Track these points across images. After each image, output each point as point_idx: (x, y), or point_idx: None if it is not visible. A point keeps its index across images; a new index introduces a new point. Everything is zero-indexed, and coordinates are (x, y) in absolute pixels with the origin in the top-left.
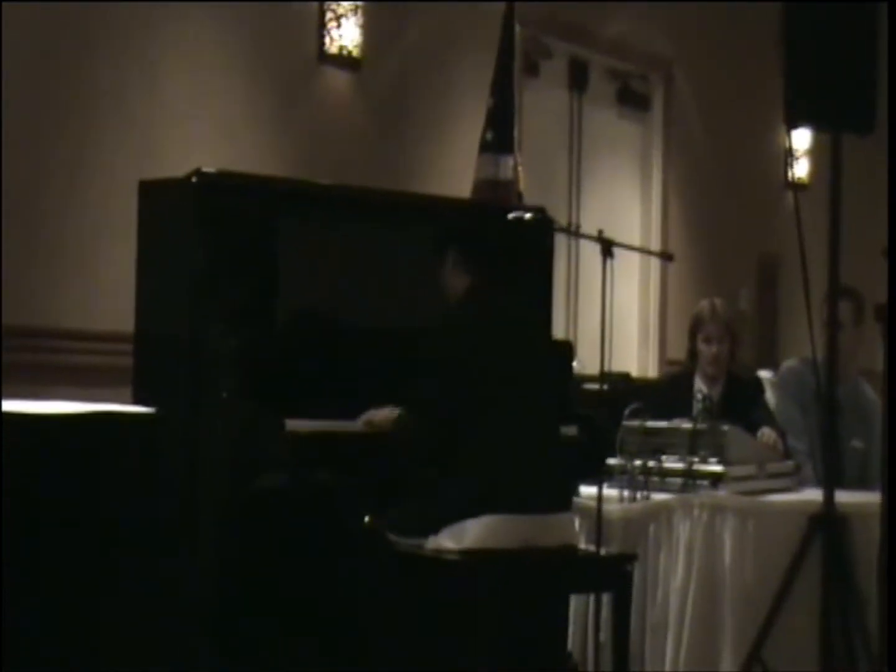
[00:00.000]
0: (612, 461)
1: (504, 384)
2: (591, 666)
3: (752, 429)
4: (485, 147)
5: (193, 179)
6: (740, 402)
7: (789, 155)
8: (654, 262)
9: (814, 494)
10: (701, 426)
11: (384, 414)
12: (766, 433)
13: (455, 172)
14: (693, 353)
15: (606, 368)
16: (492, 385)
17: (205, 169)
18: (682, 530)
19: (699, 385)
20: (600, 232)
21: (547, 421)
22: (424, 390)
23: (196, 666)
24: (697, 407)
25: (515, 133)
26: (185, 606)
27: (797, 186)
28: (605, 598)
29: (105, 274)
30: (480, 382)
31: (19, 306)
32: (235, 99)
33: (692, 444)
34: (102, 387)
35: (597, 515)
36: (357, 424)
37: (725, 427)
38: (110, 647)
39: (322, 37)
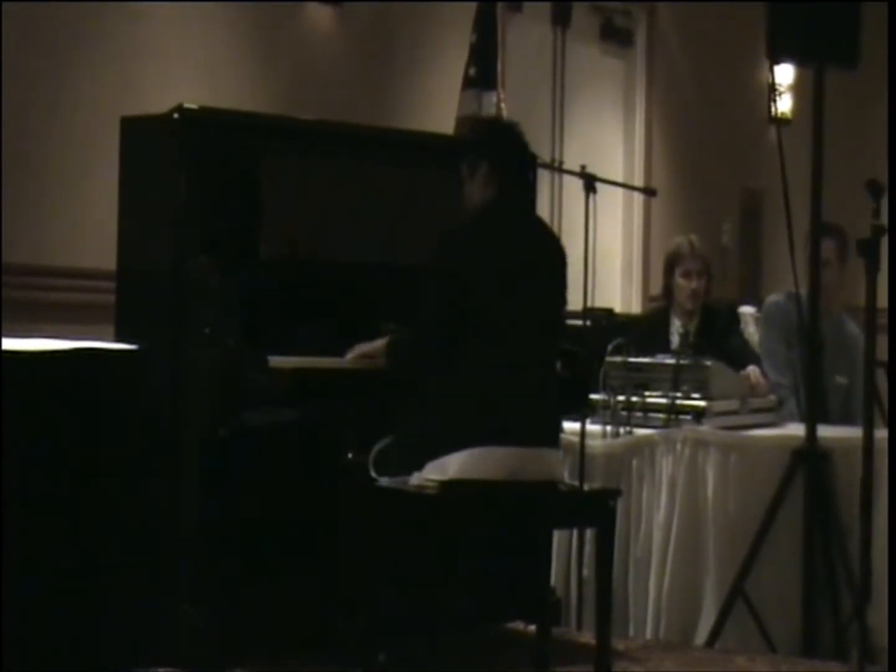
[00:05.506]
0: (595, 397)
1: (510, 307)
2: (574, 601)
3: (727, 358)
4: (468, 83)
5: (175, 116)
6: (715, 332)
7: (772, 90)
8: (637, 198)
9: (796, 429)
10: (684, 361)
11: (374, 345)
12: (753, 371)
13: (438, 108)
14: (669, 290)
15: (589, 304)
16: (496, 306)
17: (187, 105)
18: (665, 465)
19: (675, 320)
20: (583, 167)
21: (546, 354)
22: (425, 303)
23: (177, 595)
24: (675, 343)
25: (498, 69)
26: (168, 539)
27: (780, 121)
28: (589, 533)
29: (87, 211)
30: (486, 300)
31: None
32: (217, 34)
33: (675, 380)
34: (84, 324)
35: (580, 451)
36: (343, 360)
37: (708, 362)
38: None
39: None
